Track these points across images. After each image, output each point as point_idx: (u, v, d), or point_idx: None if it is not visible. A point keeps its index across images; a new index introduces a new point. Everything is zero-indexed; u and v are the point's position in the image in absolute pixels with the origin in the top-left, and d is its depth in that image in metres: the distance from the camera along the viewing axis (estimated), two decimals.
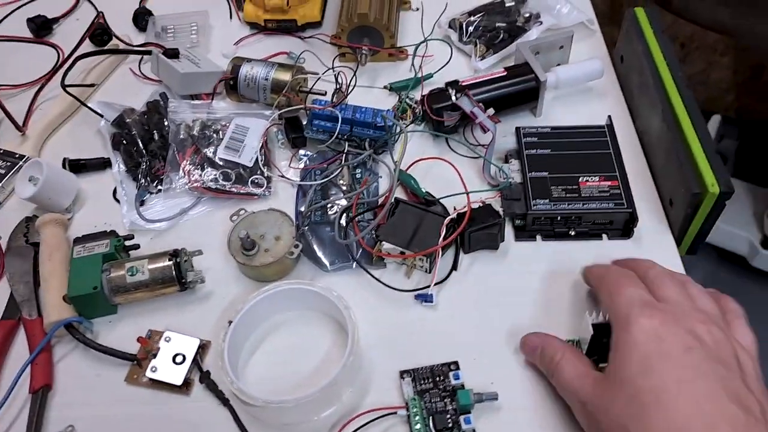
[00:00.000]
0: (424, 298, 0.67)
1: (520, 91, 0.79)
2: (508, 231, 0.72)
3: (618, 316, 0.54)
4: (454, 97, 0.77)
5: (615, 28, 1.06)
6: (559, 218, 0.70)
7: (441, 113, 0.78)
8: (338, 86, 0.82)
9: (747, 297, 0.63)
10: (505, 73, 0.80)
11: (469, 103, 0.76)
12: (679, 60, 0.77)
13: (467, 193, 0.71)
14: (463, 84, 0.79)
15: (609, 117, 0.77)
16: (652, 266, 0.60)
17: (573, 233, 0.71)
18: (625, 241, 0.70)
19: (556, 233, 0.71)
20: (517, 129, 0.76)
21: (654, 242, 0.71)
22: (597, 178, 0.71)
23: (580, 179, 0.71)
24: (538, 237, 0.71)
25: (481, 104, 0.76)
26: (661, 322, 0.52)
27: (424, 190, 0.74)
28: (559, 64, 0.85)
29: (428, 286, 0.67)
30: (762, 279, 1.59)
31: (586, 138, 0.75)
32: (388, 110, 0.79)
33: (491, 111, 0.75)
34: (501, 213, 0.69)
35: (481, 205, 0.70)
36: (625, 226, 0.70)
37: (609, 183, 0.70)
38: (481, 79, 0.80)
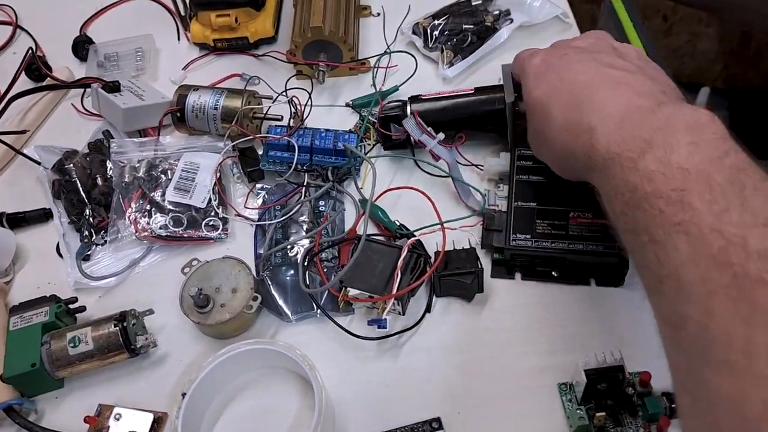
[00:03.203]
0: (378, 323, 0.60)
1: (486, 112, 0.71)
2: (487, 263, 0.65)
3: (521, 75, 0.62)
4: (408, 112, 0.71)
5: (596, 6, 0.99)
6: (541, 257, 0.63)
7: (389, 126, 0.72)
8: (294, 111, 0.75)
9: None
10: (472, 91, 0.72)
11: (415, 129, 0.69)
12: (663, 34, 0.71)
13: (442, 225, 0.64)
14: (425, 97, 0.72)
15: None
16: None
17: (555, 275, 0.63)
18: (616, 289, 0.63)
19: (538, 272, 0.64)
20: (512, 149, 0.68)
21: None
22: (590, 215, 0.62)
23: (571, 215, 0.63)
24: (518, 275, 0.65)
25: (430, 129, 0.68)
26: (542, 55, 0.59)
27: (396, 223, 0.68)
28: None
29: (401, 331, 0.61)
30: None
31: None
32: (350, 135, 0.72)
33: (441, 136, 0.68)
34: (480, 263, 0.62)
35: (466, 247, 0.64)
36: (615, 273, 0.62)
37: (602, 221, 0.62)
38: (446, 94, 0.73)
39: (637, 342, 0.58)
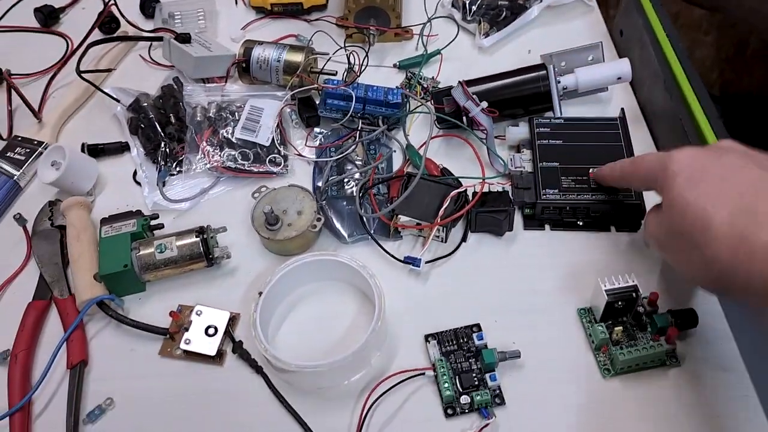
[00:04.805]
0: (413, 261, 0.69)
1: (530, 93, 0.79)
2: (518, 219, 0.74)
3: (654, 174, 0.56)
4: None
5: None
6: (567, 208, 0.71)
7: (441, 101, 0.81)
8: (350, 66, 0.84)
9: None
10: (517, 78, 0.79)
11: (462, 96, 0.77)
12: None
13: (483, 180, 0.74)
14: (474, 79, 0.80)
15: (622, 110, 0.78)
16: None
17: (581, 224, 0.72)
18: (633, 234, 0.72)
19: (565, 223, 0.73)
20: (530, 119, 0.77)
21: None
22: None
23: (591, 170, 0.72)
24: (547, 226, 0.73)
25: (475, 97, 0.76)
26: (691, 154, 0.54)
27: (440, 168, 0.77)
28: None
29: (443, 256, 0.71)
30: None
31: (599, 130, 0.76)
32: (398, 89, 0.81)
33: (484, 104, 0.76)
34: (512, 202, 0.71)
35: (500, 191, 0.73)
36: (632, 219, 0.72)
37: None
38: (492, 84, 0.80)
39: (646, 273, 0.68)
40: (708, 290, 0.54)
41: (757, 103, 1.86)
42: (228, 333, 0.66)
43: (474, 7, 0.93)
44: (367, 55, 0.83)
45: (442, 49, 0.90)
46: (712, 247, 0.48)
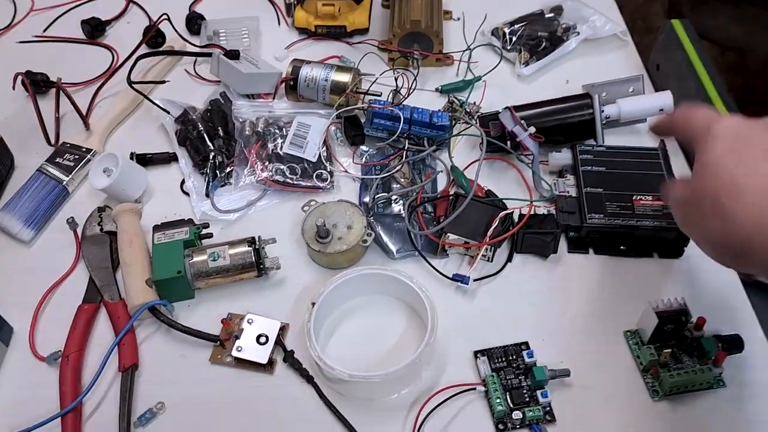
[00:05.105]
0: (461, 279, 0.71)
1: (575, 121, 0.81)
2: (562, 243, 0.75)
3: (697, 130, 0.53)
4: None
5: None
6: (612, 233, 0.73)
7: (488, 124, 0.83)
8: (397, 88, 0.86)
9: (735, 282, 0.71)
10: (562, 105, 0.82)
11: (510, 120, 0.79)
12: None
13: (531, 202, 0.76)
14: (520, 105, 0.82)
15: (662, 141, 0.80)
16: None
17: (624, 248, 0.74)
18: (676, 261, 0.74)
19: (608, 248, 0.74)
20: (573, 146, 0.80)
21: (703, 262, 0.73)
22: (650, 198, 0.74)
23: (634, 197, 0.74)
24: (591, 250, 0.75)
25: (522, 122, 0.78)
26: (739, 122, 0.51)
27: (485, 189, 0.79)
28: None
29: (489, 276, 0.72)
30: (762, 291, 1.64)
31: (641, 159, 0.78)
32: (442, 113, 0.83)
33: (532, 129, 0.78)
34: (558, 226, 0.73)
35: (545, 214, 0.74)
36: (675, 246, 0.73)
37: (662, 203, 0.73)
38: (536, 110, 0.82)
39: (689, 298, 0.68)
40: (721, 260, 0.52)
41: None
42: (279, 342, 0.67)
43: (514, 38, 0.96)
44: (415, 79, 0.86)
45: (484, 75, 0.92)
46: (737, 215, 0.47)
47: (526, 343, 0.66)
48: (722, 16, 1.30)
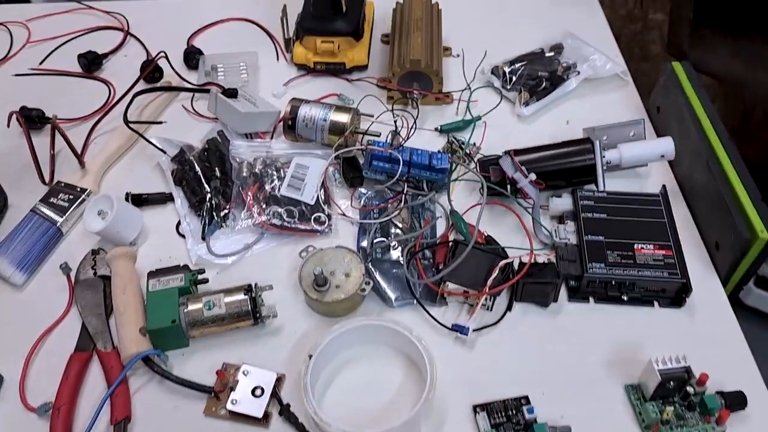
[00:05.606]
0: (461, 329, 0.70)
1: (576, 167, 0.81)
2: (562, 291, 0.74)
3: None
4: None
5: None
6: (613, 283, 0.72)
7: (488, 168, 0.82)
8: (397, 130, 0.85)
9: (737, 333, 0.71)
10: (562, 150, 0.81)
11: (510, 166, 0.78)
12: None
13: (531, 251, 0.75)
14: (520, 150, 0.81)
15: (663, 186, 0.80)
16: None
17: (626, 298, 0.73)
18: (677, 310, 0.73)
19: (609, 297, 0.73)
20: (574, 191, 0.79)
21: (705, 312, 0.72)
22: (652, 247, 0.73)
23: (636, 246, 0.73)
24: (591, 299, 0.74)
25: (523, 168, 0.77)
26: None
27: (485, 235, 0.78)
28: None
29: (488, 325, 0.71)
30: (753, 316, 1.64)
31: (642, 205, 0.77)
32: (442, 154, 0.82)
33: (533, 176, 0.77)
34: (560, 275, 0.72)
35: (545, 262, 0.73)
36: (677, 296, 0.73)
37: (663, 252, 0.73)
38: (536, 154, 0.81)
39: (691, 349, 0.67)
40: None
41: (759, 174, 1.91)
42: (275, 394, 0.65)
43: (514, 77, 0.95)
44: (415, 122, 0.85)
45: (484, 115, 0.92)
46: None
47: (527, 397, 0.65)
48: (721, 49, 1.30)
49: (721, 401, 0.63)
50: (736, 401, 0.64)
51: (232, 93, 0.89)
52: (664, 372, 0.63)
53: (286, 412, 0.64)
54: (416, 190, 0.81)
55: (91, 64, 1.01)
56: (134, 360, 0.66)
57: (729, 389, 0.65)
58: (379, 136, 0.86)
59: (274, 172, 0.83)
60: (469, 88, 0.96)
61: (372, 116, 0.88)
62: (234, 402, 0.65)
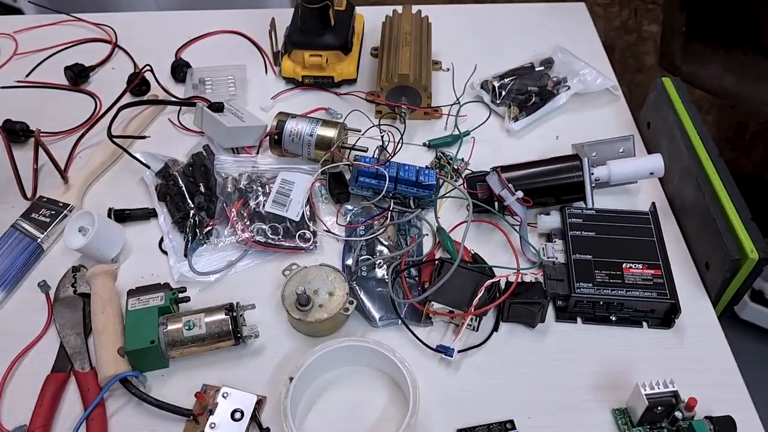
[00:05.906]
0: (445, 350, 0.68)
1: (564, 184, 0.79)
2: (549, 311, 0.73)
3: None
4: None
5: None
6: (601, 303, 0.71)
7: (475, 185, 0.81)
8: (384, 145, 0.84)
9: (727, 355, 0.69)
10: (550, 167, 0.80)
11: (497, 184, 0.77)
12: None
13: (518, 270, 0.74)
14: (508, 166, 0.80)
15: (653, 204, 0.79)
16: None
17: (614, 319, 0.72)
18: (666, 331, 0.71)
19: (597, 317, 0.72)
20: (562, 208, 0.78)
21: (693, 333, 0.71)
22: (641, 266, 0.72)
23: (624, 265, 0.72)
24: (579, 319, 0.73)
25: (510, 185, 0.76)
26: None
27: (471, 253, 0.76)
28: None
29: (474, 346, 0.70)
30: (749, 329, 1.63)
31: (631, 223, 0.76)
32: (429, 170, 0.81)
33: (520, 194, 0.76)
34: (547, 295, 0.71)
35: (532, 281, 0.72)
36: (666, 316, 0.72)
37: (652, 272, 0.72)
38: (524, 171, 0.80)
39: (680, 372, 0.66)
40: None
41: (753, 184, 1.90)
42: (255, 418, 0.64)
43: (504, 92, 0.94)
44: (402, 138, 0.84)
45: (473, 130, 0.91)
46: None
47: (512, 422, 0.64)
48: (713, 62, 1.29)
49: (710, 426, 0.62)
50: (725, 427, 0.62)
51: (218, 107, 0.88)
52: (652, 397, 0.62)
53: None
54: (403, 207, 0.80)
55: (77, 76, 1.00)
56: (111, 382, 0.65)
57: (718, 413, 0.63)
58: (366, 151, 0.85)
59: (259, 188, 0.81)
60: (459, 103, 0.95)
61: (359, 131, 0.87)
62: (212, 426, 0.63)
